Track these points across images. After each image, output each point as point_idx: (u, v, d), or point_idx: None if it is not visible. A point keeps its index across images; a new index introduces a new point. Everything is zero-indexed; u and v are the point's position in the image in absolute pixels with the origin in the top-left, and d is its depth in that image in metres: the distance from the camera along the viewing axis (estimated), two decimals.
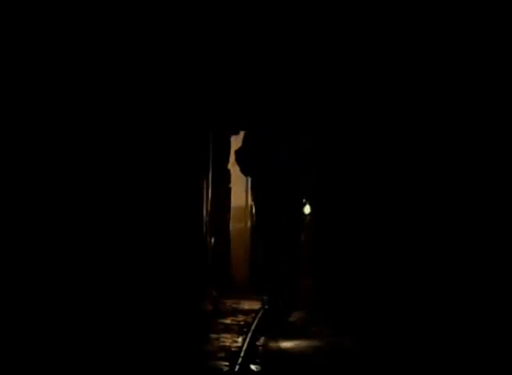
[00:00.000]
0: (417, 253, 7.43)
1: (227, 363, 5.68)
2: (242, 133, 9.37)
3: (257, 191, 8.36)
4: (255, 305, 8.67)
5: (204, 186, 8.65)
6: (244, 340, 6.58)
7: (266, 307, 7.95)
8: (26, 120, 6.37)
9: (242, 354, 5.98)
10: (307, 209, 8.31)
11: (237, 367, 5.53)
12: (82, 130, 6.70)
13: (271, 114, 8.67)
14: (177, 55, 7.38)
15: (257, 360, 5.91)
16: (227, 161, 10.81)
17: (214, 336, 6.78)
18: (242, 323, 7.54)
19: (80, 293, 6.27)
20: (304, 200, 8.37)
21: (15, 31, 6.38)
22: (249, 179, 9.44)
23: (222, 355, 6.03)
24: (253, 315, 7.93)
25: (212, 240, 9.48)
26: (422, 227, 7.46)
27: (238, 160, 8.48)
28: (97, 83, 6.77)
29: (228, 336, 6.80)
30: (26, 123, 6.36)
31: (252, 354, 6.11)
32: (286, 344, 6.62)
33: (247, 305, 8.89)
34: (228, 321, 7.63)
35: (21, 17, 6.42)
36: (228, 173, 10.91)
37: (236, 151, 8.56)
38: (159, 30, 7.19)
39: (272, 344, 6.64)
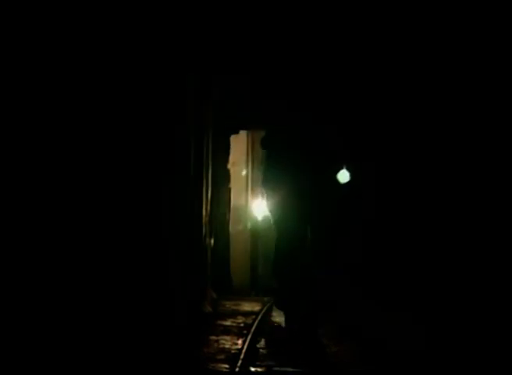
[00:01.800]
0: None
1: (227, 365, 5.64)
2: (242, 133, 9.33)
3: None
4: (255, 307, 8.63)
5: (204, 186, 8.59)
6: (244, 342, 6.52)
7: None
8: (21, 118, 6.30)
9: (242, 356, 5.94)
10: (344, 176, 6.58)
11: (237, 369, 5.50)
12: (80, 129, 6.62)
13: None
14: (177, 53, 7.30)
15: (258, 362, 5.87)
16: (227, 161, 10.77)
17: (213, 338, 6.72)
18: (242, 325, 7.48)
19: (74, 294, 6.20)
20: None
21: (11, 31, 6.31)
22: (249, 179, 9.33)
23: (222, 357, 5.98)
24: (253, 316, 7.88)
25: (212, 241, 9.42)
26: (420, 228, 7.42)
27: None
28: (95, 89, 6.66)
29: (227, 338, 6.74)
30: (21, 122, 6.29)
31: (252, 356, 6.05)
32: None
33: (246, 306, 8.84)
34: (228, 323, 7.58)
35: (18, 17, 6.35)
36: (228, 173, 10.87)
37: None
38: (161, 32, 7.09)
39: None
